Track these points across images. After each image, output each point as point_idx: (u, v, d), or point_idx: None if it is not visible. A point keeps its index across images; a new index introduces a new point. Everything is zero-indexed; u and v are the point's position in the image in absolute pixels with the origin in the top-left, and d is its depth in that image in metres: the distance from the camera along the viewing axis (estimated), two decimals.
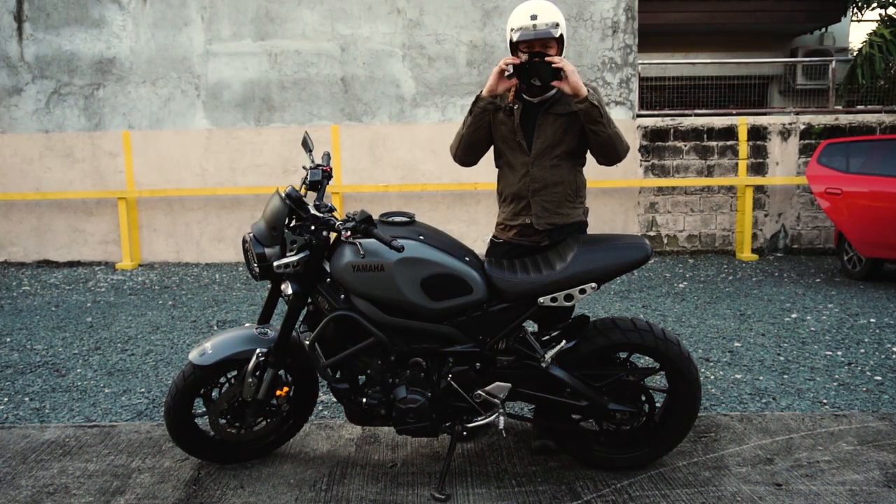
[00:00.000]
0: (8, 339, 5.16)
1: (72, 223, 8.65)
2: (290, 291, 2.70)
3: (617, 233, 8.04)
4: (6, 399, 3.91)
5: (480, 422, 2.73)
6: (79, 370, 4.41)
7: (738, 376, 4.13)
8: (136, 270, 8.16)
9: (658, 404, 2.95)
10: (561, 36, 2.80)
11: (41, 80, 8.51)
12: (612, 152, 2.84)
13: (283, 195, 2.66)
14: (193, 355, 2.80)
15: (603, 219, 8.61)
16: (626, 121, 8.55)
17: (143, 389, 4.03)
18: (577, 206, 2.96)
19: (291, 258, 2.64)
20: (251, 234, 2.69)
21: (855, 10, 10.79)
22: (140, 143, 8.52)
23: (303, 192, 2.74)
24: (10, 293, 6.91)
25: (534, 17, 2.74)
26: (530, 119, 2.90)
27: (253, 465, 2.97)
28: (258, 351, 2.77)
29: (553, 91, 2.87)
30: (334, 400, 3.78)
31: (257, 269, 2.67)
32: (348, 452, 3.10)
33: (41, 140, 8.55)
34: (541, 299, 2.64)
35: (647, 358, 3.94)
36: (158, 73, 8.48)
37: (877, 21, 9.78)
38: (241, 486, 2.81)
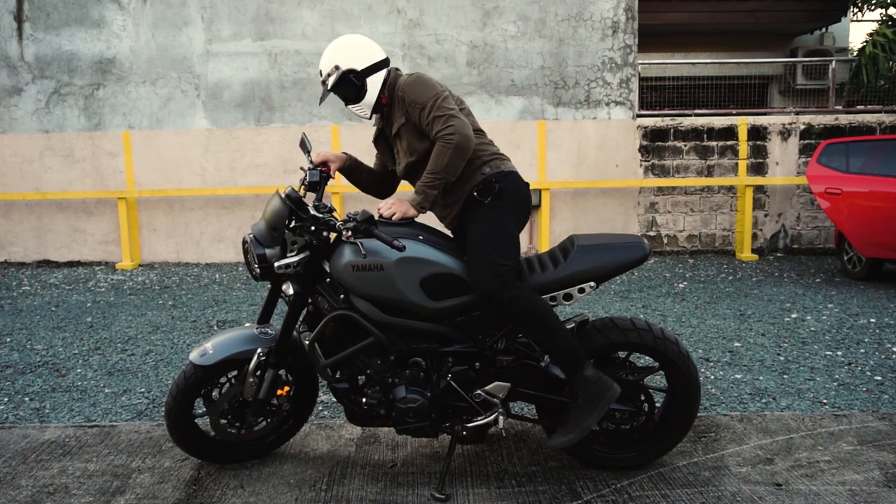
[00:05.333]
0: (8, 339, 5.16)
1: (72, 223, 8.66)
2: (290, 292, 2.70)
3: (616, 232, 8.06)
4: (6, 399, 3.91)
5: (480, 422, 2.73)
6: (79, 370, 4.42)
7: (738, 376, 4.13)
8: (136, 270, 8.16)
9: (658, 404, 2.95)
10: (348, 72, 2.71)
11: (41, 80, 8.51)
12: (462, 160, 2.65)
13: (283, 196, 2.66)
14: (194, 355, 2.80)
15: (603, 219, 8.62)
16: (627, 121, 8.55)
17: (143, 389, 4.03)
18: (466, 180, 2.74)
19: (292, 259, 2.64)
20: (251, 235, 2.69)
21: (855, 10, 10.80)
22: (140, 143, 8.52)
23: (302, 192, 2.74)
24: (10, 293, 6.91)
25: (321, 73, 2.80)
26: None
27: (253, 465, 2.97)
28: (259, 351, 2.77)
29: (376, 116, 2.89)
30: (334, 400, 3.78)
31: (258, 270, 2.67)
32: (348, 452, 3.10)
33: (41, 140, 8.56)
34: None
35: (646, 358, 3.94)
36: (158, 73, 8.48)
37: (878, 21, 9.79)
38: (241, 486, 2.81)
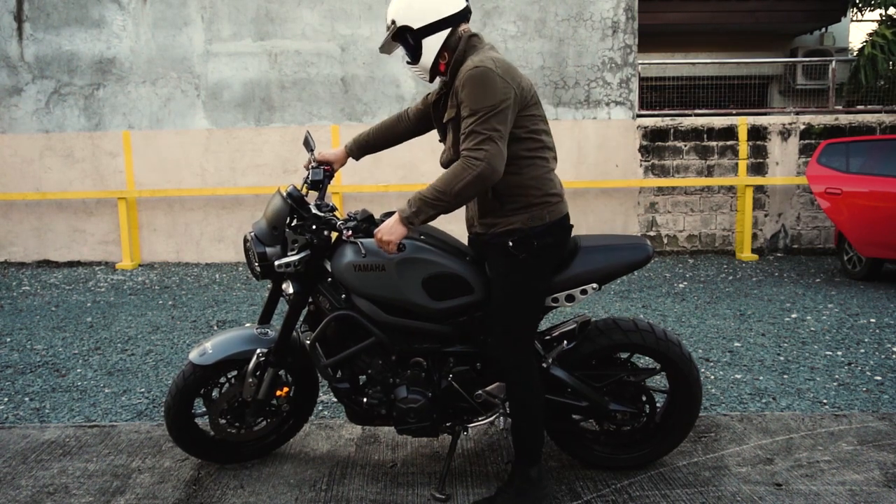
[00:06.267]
0: (8, 339, 5.16)
1: (72, 223, 8.65)
2: (290, 291, 2.69)
3: (618, 233, 8.06)
4: (6, 399, 3.91)
5: (481, 422, 2.73)
6: (79, 370, 4.41)
7: (738, 376, 4.13)
8: (136, 270, 8.16)
9: (659, 405, 2.95)
10: (404, 29, 2.42)
11: (41, 80, 8.51)
12: (478, 192, 2.35)
13: (285, 194, 2.65)
14: (193, 355, 2.80)
15: (603, 219, 8.61)
16: (627, 121, 8.55)
17: (143, 389, 4.03)
18: (506, 214, 2.48)
19: (292, 258, 2.63)
20: (252, 234, 2.68)
21: (855, 10, 10.80)
22: (140, 143, 8.52)
23: (304, 191, 2.74)
24: (10, 293, 6.91)
25: (386, 18, 2.51)
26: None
27: (253, 465, 2.97)
28: (258, 351, 2.77)
29: (440, 79, 2.59)
30: (334, 400, 3.78)
31: (258, 269, 2.66)
32: (348, 452, 3.10)
33: (41, 140, 8.55)
34: None
35: (646, 358, 3.94)
36: (158, 73, 8.48)
37: (877, 21, 9.78)
38: (241, 486, 2.81)
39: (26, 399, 3.91)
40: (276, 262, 2.62)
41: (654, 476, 2.84)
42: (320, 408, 3.68)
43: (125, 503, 2.69)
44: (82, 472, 2.94)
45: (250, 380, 2.78)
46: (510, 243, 2.46)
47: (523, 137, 2.43)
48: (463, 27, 2.50)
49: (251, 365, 2.76)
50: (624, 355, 2.86)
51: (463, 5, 2.47)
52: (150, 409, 3.71)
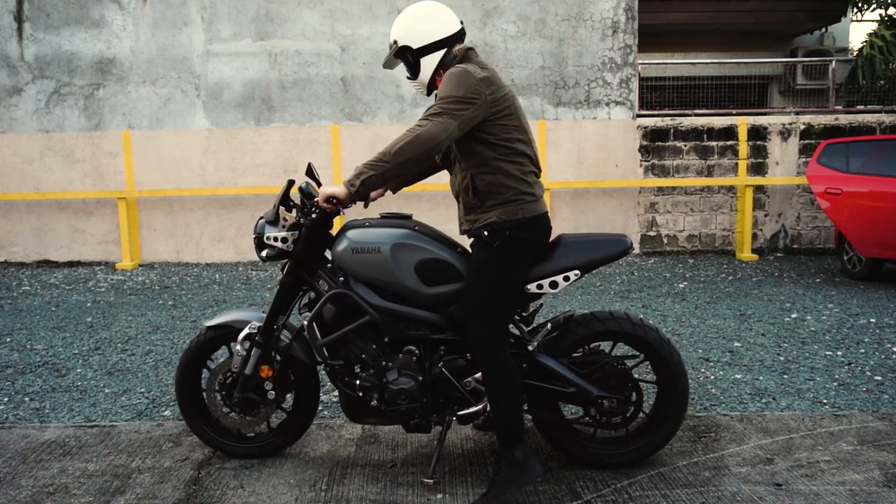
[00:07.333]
0: (8, 339, 5.16)
1: (72, 223, 8.66)
2: (284, 235, 2.78)
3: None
4: (6, 399, 3.92)
5: (471, 410, 2.78)
6: (79, 370, 4.42)
7: (738, 376, 4.13)
8: (136, 270, 8.16)
9: (653, 404, 2.97)
10: (404, 48, 2.66)
11: (41, 80, 8.51)
12: (415, 154, 2.46)
13: (289, 180, 2.86)
14: (207, 321, 3.04)
15: (603, 219, 8.62)
16: (627, 121, 8.55)
17: (143, 389, 4.03)
18: (485, 209, 2.66)
19: (281, 233, 2.78)
20: (261, 219, 2.84)
21: (855, 10, 10.80)
22: (140, 143, 8.52)
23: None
24: (10, 293, 6.91)
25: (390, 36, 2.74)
26: None
27: (253, 465, 2.98)
28: (252, 322, 2.91)
29: (433, 94, 2.75)
30: (335, 400, 3.78)
31: (255, 243, 2.82)
32: (348, 452, 3.11)
33: (41, 140, 8.56)
34: (528, 286, 2.71)
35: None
36: (158, 73, 8.48)
37: (877, 21, 9.78)
38: (241, 486, 2.81)
39: (26, 399, 3.91)
40: (266, 235, 2.77)
41: (654, 476, 2.84)
42: (320, 408, 3.69)
43: (125, 503, 2.69)
44: (82, 472, 2.94)
45: (238, 347, 2.88)
46: (486, 233, 2.63)
47: (494, 143, 2.61)
48: (458, 47, 2.70)
49: (242, 334, 2.88)
50: (607, 349, 2.93)
51: (457, 28, 2.69)
52: (150, 409, 3.72)
